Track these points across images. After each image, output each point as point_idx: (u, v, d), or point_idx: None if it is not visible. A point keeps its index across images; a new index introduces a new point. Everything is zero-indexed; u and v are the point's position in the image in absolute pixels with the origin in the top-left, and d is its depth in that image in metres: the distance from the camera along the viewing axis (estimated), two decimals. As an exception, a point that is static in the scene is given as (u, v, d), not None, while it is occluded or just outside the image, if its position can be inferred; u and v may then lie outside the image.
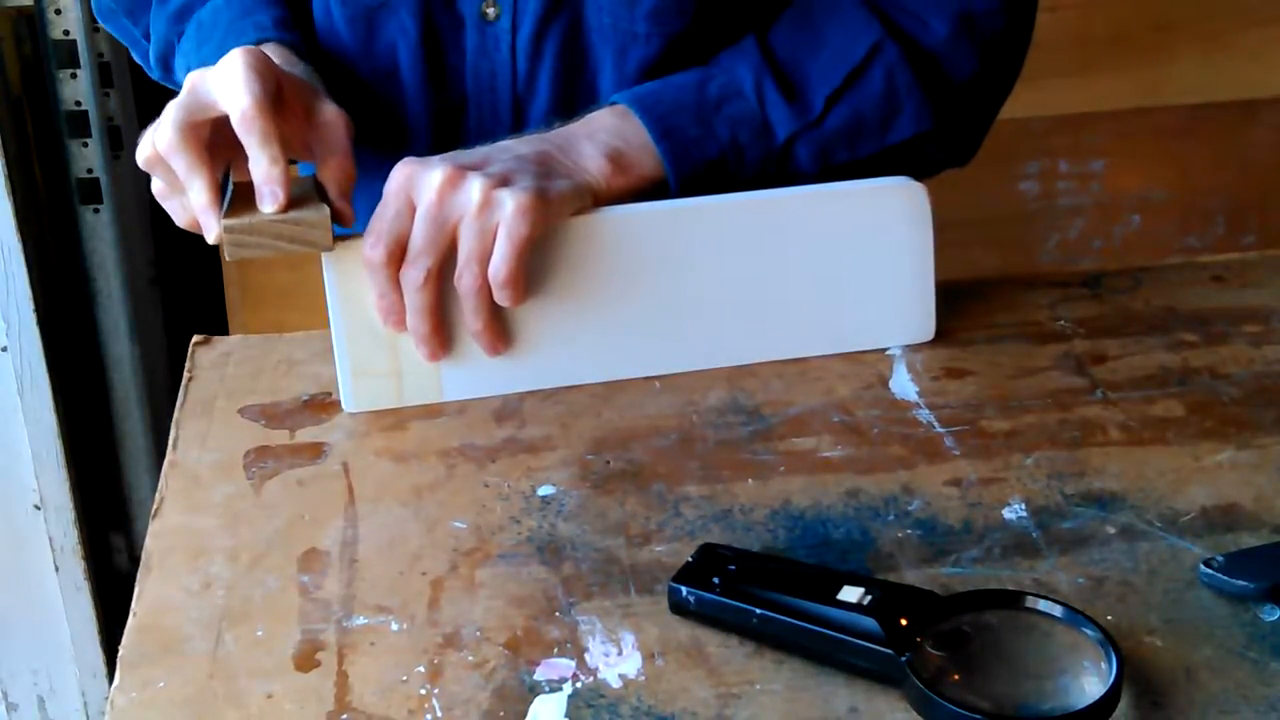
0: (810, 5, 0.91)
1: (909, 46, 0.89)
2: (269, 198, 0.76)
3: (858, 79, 0.89)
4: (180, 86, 0.81)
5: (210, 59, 0.80)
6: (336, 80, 0.93)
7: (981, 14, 0.90)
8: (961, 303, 0.92)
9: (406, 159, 0.81)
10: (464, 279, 0.80)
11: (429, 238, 0.79)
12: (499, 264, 0.79)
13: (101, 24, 1.07)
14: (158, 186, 0.82)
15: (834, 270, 0.86)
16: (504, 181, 0.79)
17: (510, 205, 0.78)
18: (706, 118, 0.88)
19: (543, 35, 0.91)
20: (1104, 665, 0.61)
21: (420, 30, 0.92)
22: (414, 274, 0.79)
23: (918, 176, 0.87)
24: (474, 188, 0.79)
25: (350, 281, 0.81)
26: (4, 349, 1.49)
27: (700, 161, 0.87)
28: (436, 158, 0.81)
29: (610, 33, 0.91)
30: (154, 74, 1.00)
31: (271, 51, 0.85)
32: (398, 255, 0.80)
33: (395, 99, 0.95)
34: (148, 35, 0.98)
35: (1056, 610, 0.64)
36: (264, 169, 0.76)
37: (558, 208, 0.81)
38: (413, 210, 0.79)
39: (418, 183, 0.79)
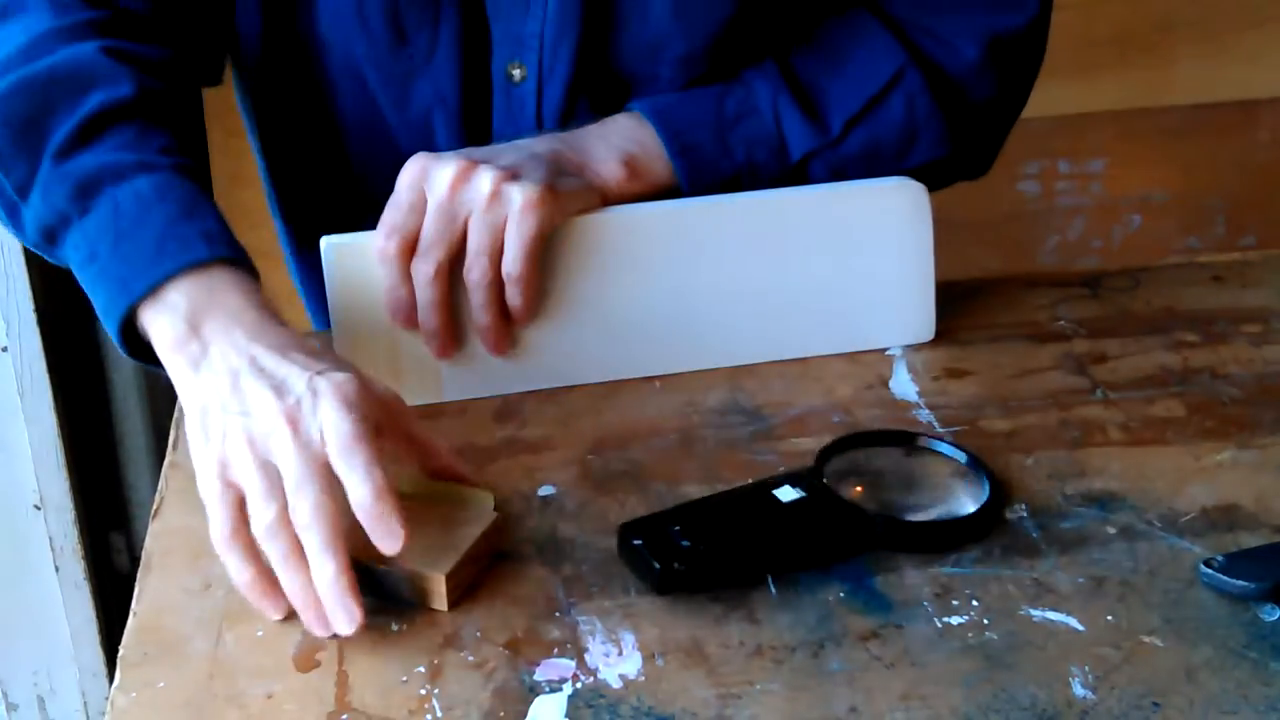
0: (833, 30, 0.91)
1: (932, 73, 0.88)
2: (388, 535, 0.65)
3: (877, 105, 0.88)
4: (67, 264, 0.75)
5: (135, 260, 0.72)
6: (366, 141, 0.92)
7: (1011, 36, 0.90)
8: (961, 303, 0.92)
9: (419, 153, 0.81)
10: (473, 272, 0.80)
11: (439, 231, 0.79)
12: (510, 260, 0.79)
13: None
14: (245, 576, 0.67)
15: (834, 270, 0.86)
16: (514, 176, 0.79)
17: (519, 200, 0.78)
18: (723, 135, 0.87)
19: (574, 96, 0.89)
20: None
21: (458, 95, 0.89)
22: (425, 267, 0.79)
23: (929, 188, 0.87)
24: (484, 181, 0.79)
25: (350, 282, 0.81)
26: (4, 349, 1.49)
27: (715, 179, 0.87)
28: (450, 152, 0.81)
29: (633, 80, 0.90)
30: (26, 239, 0.79)
31: (227, 279, 0.73)
32: (410, 248, 0.79)
33: None
34: (23, 191, 0.78)
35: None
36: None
37: (565, 204, 0.81)
38: (425, 204, 0.79)
39: (430, 176, 0.79)
